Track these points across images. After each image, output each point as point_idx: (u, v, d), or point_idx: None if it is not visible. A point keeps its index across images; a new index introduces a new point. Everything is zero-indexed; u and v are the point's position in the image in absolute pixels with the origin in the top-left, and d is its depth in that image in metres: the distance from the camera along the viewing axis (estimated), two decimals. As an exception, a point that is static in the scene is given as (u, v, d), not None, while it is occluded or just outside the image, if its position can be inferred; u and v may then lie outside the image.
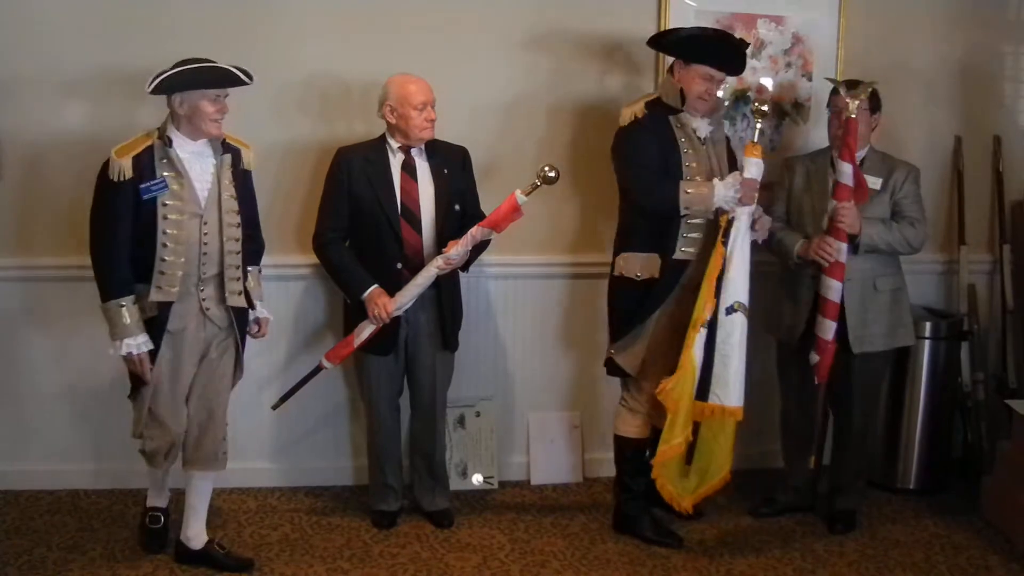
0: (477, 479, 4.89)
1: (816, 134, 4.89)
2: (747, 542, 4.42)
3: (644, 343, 4.27)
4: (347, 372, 4.74)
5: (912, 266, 4.61)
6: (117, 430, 4.70)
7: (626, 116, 4.27)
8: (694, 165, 4.18)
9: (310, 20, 4.54)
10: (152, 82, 3.67)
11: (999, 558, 4.31)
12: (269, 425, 4.78)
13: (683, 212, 4.11)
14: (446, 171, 4.31)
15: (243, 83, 3.81)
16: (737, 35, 4.67)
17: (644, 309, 4.23)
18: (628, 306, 4.28)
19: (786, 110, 4.91)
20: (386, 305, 4.17)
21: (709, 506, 4.71)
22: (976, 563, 4.27)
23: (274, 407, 4.43)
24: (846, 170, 4.18)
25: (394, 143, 4.26)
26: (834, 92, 4.34)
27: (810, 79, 4.90)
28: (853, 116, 4.17)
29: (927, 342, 4.83)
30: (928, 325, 4.84)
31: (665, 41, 4.35)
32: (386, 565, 4.16)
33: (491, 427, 4.91)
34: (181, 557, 4.12)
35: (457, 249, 4.16)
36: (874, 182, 4.35)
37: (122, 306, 3.78)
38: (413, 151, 4.28)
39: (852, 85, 4.24)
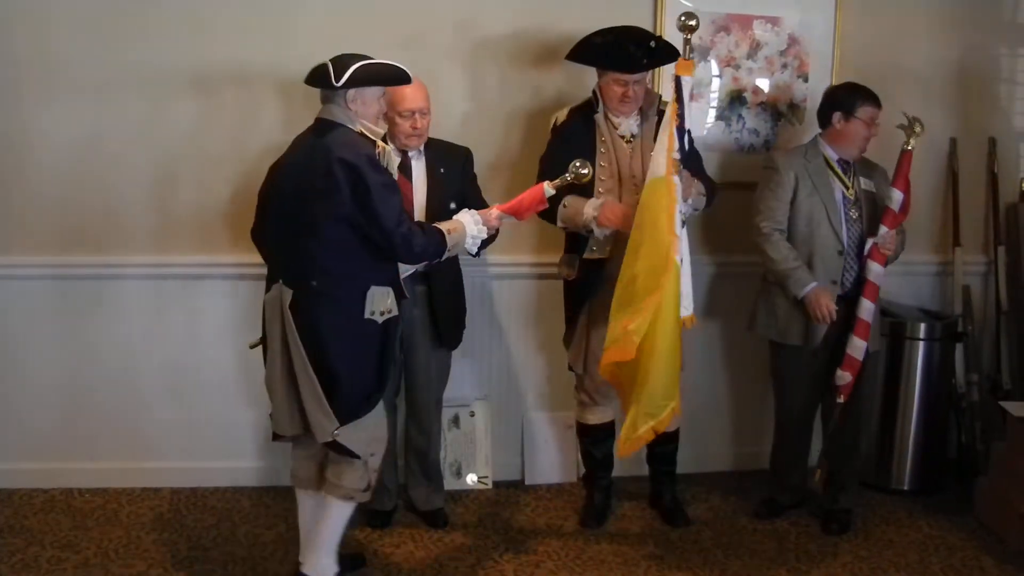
0: (471, 479, 4.89)
1: (810, 135, 4.88)
2: (741, 543, 4.43)
3: (583, 341, 4.45)
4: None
5: (907, 267, 4.63)
6: (111, 428, 4.72)
7: (551, 121, 4.45)
8: (604, 165, 4.27)
9: (305, 18, 4.54)
10: (344, 74, 3.53)
11: (993, 559, 4.31)
12: (263, 423, 4.77)
13: (560, 225, 4.28)
14: (442, 171, 4.30)
15: (408, 82, 3.77)
16: (732, 36, 4.69)
17: (572, 308, 4.46)
18: (566, 305, 4.50)
19: (782, 111, 4.91)
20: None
21: (703, 507, 4.74)
22: (970, 564, 4.28)
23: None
24: (898, 197, 4.33)
25: (391, 144, 4.26)
26: (866, 102, 4.33)
27: (806, 80, 4.90)
28: (910, 149, 4.32)
29: (922, 343, 4.84)
30: (923, 326, 4.85)
31: (576, 53, 4.35)
32: (379, 564, 4.16)
33: (485, 427, 4.91)
34: None
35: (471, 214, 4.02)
36: (868, 184, 4.44)
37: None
38: (410, 152, 4.27)
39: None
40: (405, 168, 4.25)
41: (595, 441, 4.59)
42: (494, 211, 3.96)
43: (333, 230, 3.57)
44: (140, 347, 4.68)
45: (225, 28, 4.51)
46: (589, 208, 4.17)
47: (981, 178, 5.15)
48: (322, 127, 3.66)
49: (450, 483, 4.80)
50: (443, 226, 3.79)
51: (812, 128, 4.88)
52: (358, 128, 3.65)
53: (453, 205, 4.29)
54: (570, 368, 4.57)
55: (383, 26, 4.56)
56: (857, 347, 4.34)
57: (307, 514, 3.90)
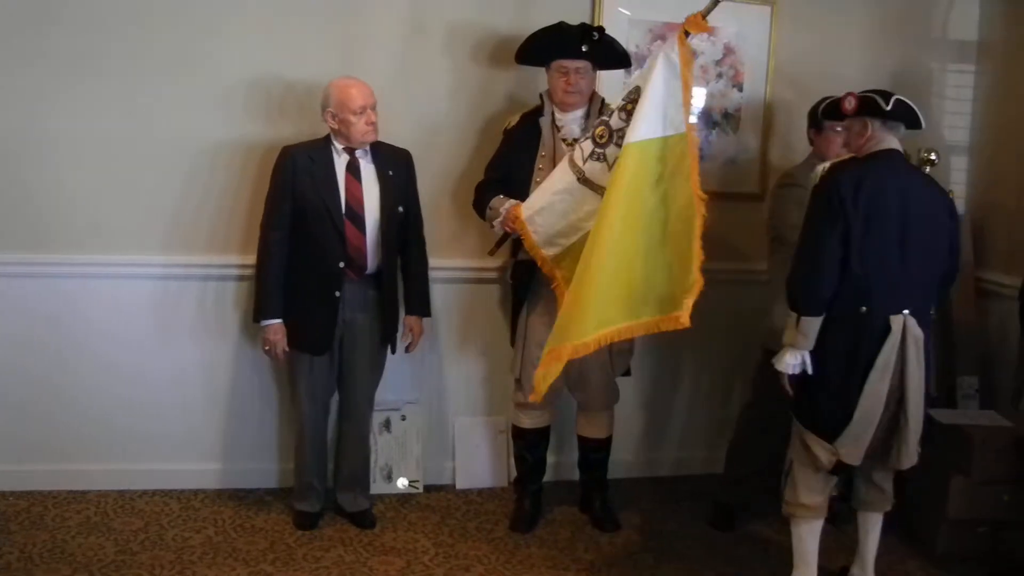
0: (402, 483, 4.87)
1: (744, 143, 4.98)
2: (672, 547, 4.45)
3: (520, 345, 4.48)
4: (277, 373, 4.72)
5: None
6: (36, 429, 4.65)
7: (503, 126, 4.52)
8: (542, 168, 4.30)
9: (255, 20, 4.54)
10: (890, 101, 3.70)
11: (919, 562, 4.38)
12: (194, 427, 4.74)
13: (490, 224, 4.36)
14: (390, 173, 4.34)
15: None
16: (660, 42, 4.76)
17: (513, 312, 4.53)
18: (512, 309, 4.55)
19: (716, 120, 4.96)
20: (277, 344, 4.30)
21: (635, 511, 4.76)
22: (896, 568, 4.32)
23: None
24: None
25: (339, 145, 4.28)
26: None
27: (741, 89, 4.97)
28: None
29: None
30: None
31: (521, 54, 4.46)
32: (309, 568, 4.12)
33: (417, 431, 4.90)
34: None
35: None
36: None
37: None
38: (358, 152, 4.30)
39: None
40: (354, 169, 4.29)
41: (529, 445, 4.60)
42: None
43: (944, 263, 3.86)
44: (66, 348, 4.61)
45: (175, 18, 4.50)
46: (502, 208, 4.25)
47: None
48: (900, 158, 3.78)
49: (381, 487, 4.79)
50: None
51: (746, 137, 4.97)
52: None
53: (401, 208, 4.33)
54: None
55: (329, 26, 4.61)
56: None
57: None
